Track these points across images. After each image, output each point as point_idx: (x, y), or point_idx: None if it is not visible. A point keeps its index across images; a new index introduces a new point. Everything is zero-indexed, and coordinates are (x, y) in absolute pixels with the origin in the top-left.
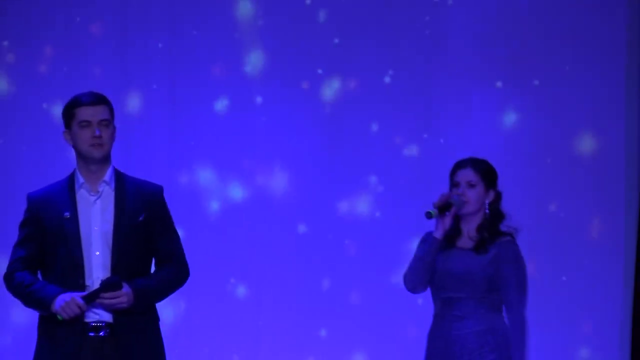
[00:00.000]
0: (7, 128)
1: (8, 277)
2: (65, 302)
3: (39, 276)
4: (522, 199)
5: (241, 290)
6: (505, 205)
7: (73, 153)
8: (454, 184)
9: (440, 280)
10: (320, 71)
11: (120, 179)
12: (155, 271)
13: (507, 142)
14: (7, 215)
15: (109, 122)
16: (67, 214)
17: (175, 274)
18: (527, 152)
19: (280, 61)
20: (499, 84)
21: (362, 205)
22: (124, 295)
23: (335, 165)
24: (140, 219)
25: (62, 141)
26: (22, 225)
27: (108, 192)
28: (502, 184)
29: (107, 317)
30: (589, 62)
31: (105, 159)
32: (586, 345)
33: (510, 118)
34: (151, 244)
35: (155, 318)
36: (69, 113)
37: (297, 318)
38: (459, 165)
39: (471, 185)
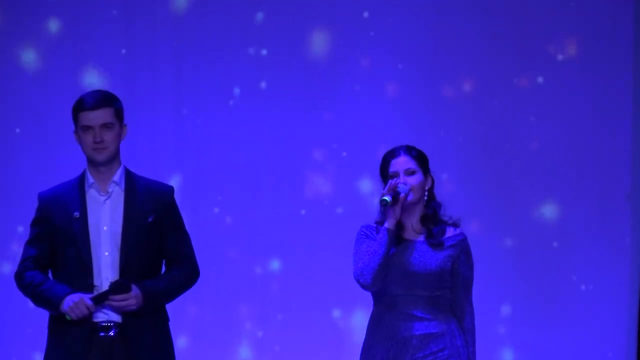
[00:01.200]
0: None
1: (19, 276)
2: (74, 303)
3: (50, 275)
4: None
5: (275, 265)
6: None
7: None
8: (390, 176)
9: (394, 276)
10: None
11: (130, 179)
12: (164, 272)
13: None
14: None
15: (112, 125)
16: (76, 214)
17: (185, 274)
18: (532, 153)
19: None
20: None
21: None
22: (132, 298)
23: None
24: (150, 219)
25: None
26: (33, 224)
27: (118, 193)
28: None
29: (116, 317)
30: (595, 61)
31: (112, 160)
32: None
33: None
34: (161, 244)
35: (165, 318)
36: (73, 116)
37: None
38: (392, 155)
39: (411, 173)
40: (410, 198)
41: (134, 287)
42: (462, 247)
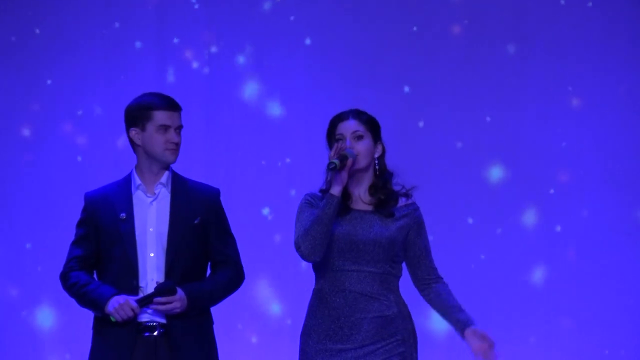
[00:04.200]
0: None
1: (64, 276)
2: (120, 304)
3: (95, 276)
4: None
5: None
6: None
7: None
8: (336, 139)
9: (340, 248)
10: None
11: (177, 181)
12: (210, 275)
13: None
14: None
15: (181, 129)
16: (122, 215)
17: (230, 277)
18: (549, 161)
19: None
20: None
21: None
22: (177, 301)
23: None
24: (196, 221)
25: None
26: (79, 225)
27: (164, 194)
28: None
29: (160, 317)
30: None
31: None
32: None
33: None
34: (206, 246)
35: (209, 320)
36: (144, 113)
37: None
38: (340, 118)
39: (359, 137)
40: (357, 164)
41: (179, 290)
42: (415, 217)
